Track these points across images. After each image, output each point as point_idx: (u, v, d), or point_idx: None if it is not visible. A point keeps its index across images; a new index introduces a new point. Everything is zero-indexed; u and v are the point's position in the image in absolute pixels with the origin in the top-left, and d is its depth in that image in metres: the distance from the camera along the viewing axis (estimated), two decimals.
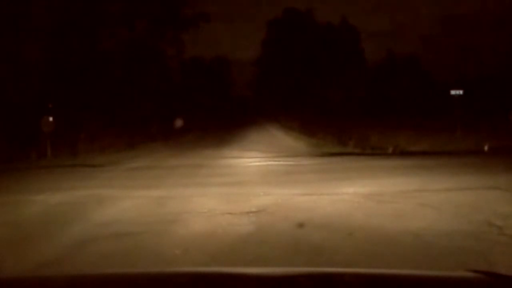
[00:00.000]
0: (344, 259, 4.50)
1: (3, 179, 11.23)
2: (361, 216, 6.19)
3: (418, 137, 16.98)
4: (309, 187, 8.50)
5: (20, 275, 3.65)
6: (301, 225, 5.74)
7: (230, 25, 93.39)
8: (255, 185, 8.88)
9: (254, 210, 6.59)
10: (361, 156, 13.94)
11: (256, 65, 53.08)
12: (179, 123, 23.61)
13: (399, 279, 1.70)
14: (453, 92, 19.37)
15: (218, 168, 12.32)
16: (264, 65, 51.40)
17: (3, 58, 19.52)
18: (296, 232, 5.54)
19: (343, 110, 33.44)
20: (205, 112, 46.36)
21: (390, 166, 11.35)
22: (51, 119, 16.00)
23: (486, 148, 13.29)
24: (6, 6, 19.82)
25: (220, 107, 52.65)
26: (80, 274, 2.33)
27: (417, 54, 43.96)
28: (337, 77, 41.68)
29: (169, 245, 5.14)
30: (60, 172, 12.34)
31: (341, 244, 4.99)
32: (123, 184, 9.69)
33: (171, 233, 5.65)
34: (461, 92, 19.24)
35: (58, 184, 9.90)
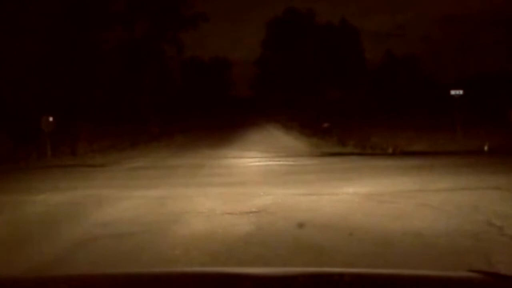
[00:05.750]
0: (344, 259, 4.50)
1: (3, 178, 11.22)
2: (361, 216, 6.19)
3: (418, 137, 16.96)
4: (309, 187, 8.50)
5: (20, 275, 3.65)
6: (301, 225, 5.74)
7: (230, 25, 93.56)
8: (255, 185, 8.87)
9: (254, 210, 6.58)
10: (361, 156, 13.93)
11: (256, 65, 53.14)
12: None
13: (399, 279, 1.70)
14: (453, 92, 19.32)
15: (218, 168, 12.32)
16: (264, 65, 51.45)
17: (3, 58, 19.52)
18: (296, 232, 5.54)
19: (343, 110, 33.42)
20: (204, 112, 46.37)
21: (390, 166, 11.34)
22: (51, 119, 15.99)
23: (486, 148, 13.28)
24: (5, 5, 19.83)
25: (220, 107, 52.65)
26: (80, 274, 2.33)
27: (417, 54, 43.98)
28: (337, 77, 41.71)
29: (169, 245, 5.14)
30: (60, 172, 12.33)
31: (341, 244, 4.99)
32: (123, 184, 9.68)
33: (171, 233, 5.65)
34: (461, 92, 19.19)
35: (58, 184, 9.89)
